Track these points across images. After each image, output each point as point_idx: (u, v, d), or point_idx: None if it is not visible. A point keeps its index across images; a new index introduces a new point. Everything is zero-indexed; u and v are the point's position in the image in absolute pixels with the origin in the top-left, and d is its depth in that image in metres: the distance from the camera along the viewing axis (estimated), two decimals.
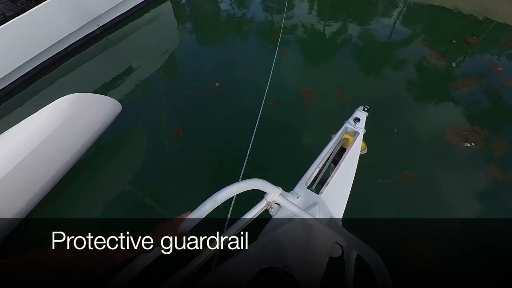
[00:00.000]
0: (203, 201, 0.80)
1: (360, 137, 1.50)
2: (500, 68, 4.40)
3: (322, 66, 4.74)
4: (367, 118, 1.65)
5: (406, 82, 4.17)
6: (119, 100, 4.00)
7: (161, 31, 5.86)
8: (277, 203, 0.99)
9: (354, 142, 1.46)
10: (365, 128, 1.56)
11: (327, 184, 1.24)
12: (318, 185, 1.30)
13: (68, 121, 2.69)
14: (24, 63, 4.39)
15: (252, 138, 2.19)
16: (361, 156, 1.51)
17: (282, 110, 3.69)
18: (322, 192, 1.23)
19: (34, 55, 4.47)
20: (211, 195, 0.81)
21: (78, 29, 5.02)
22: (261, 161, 3.08)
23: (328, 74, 4.45)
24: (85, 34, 5.28)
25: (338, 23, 5.62)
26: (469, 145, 3.28)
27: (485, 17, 5.53)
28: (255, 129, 2.29)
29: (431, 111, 3.76)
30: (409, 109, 3.76)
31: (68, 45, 5.05)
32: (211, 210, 0.78)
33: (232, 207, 1.73)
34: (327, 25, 5.59)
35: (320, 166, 1.35)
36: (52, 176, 2.78)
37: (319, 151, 1.47)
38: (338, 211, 1.15)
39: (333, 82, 4.16)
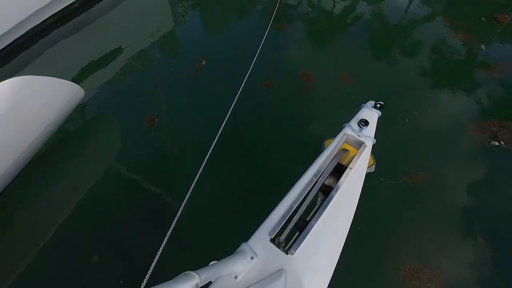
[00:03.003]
0: None
1: (367, 151, 0.97)
2: None
3: (328, 43, 4.11)
4: (379, 118, 1.11)
5: (424, 64, 3.56)
6: (92, 84, 3.54)
7: (149, 3, 5.22)
8: None
9: (358, 158, 0.94)
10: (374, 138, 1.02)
11: (305, 235, 0.73)
12: (295, 230, 0.80)
13: (14, 109, 2.25)
14: None
15: (220, 131, 1.71)
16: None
17: (273, 94, 3.18)
18: (294, 250, 0.73)
19: (1, 33, 3.93)
20: None
21: (52, 1, 4.42)
22: (240, 159, 2.62)
23: (333, 52, 3.85)
24: (61, 8, 4.68)
25: None
26: (497, 143, 2.73)
27: None
28: (224, 121, 1.80)
29: (453, 100, 3.17)
30: (426, 96, 3.19)
31: (41, 21, 4.48)
32: None
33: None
34: None
35: (300, 200, 0.83)
36: (2, 173, 2.37)
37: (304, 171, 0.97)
38: (318, 285, 0.67)
39: (339, 63, 3.59)
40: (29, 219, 2.45)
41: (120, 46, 4.16)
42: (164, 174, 2.63)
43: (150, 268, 1.19)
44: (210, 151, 1.74)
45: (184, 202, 1.49)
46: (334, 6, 4.73)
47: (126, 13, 4.94)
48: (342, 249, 0.74)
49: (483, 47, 3.81)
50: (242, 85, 2.07)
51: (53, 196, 2.57)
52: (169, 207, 2.38)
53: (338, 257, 0.74)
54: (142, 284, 1.01)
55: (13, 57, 4.14)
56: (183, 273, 0.55)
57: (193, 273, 0.55)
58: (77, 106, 2.89)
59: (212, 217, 2.28)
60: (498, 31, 4.21)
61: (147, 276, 1.13)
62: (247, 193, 2.41)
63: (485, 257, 1.96)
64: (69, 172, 2.72)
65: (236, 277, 0.73)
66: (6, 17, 3.89)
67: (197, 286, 0.54)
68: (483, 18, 4.30)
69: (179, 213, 1.40)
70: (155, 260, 1.20)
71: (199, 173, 1.60)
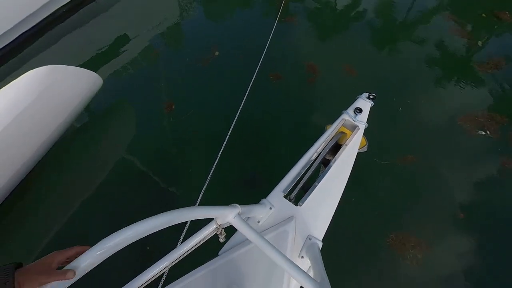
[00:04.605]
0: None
1: (360, 133, 1.22)
2: None
3: (334, 36, 4.25)
4: (371, 108, 1.35)
5: (422, 58, 3.73)
6: (108, 72, 3.70)
7: None
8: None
9: (351, 139, 1.19)
10: (367, 122, 1.27)
11: (310, 193, 1.00)
12: (301, 191, 1.06)
13: (40, 98, 2.38)
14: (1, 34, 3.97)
15: (235, 119, 1.92)
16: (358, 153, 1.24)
17: (283, 85, 3.38)
18: (301, 203, 0.99)
19: (13, 24, 4.03)
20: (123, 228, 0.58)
21: None
22: (252, 143, 2.83)
23: (340, 45, 4.01)
24: None
25: None
26: (484, 133, 2.98)
27: None
28: (239, 110, 2.00)
29: (446, 92, 3.38)
30: (421, 88, 3.40)
31: (53, 11, 4.59)
32: (121, 247, 0.57)
33: None
34: None
35: (306, 168, 1.10)
36: (27, 161, 2.51)
37: (309, 146, 1.21)
38: (319, 229, 0.93)
39: (345, 56, 3.76)
40: (52, 204, 2.56)
41: (132, 36, 4.25)
42: (182, 159, 2.79)
43: (179, 239, 1.42)
44: (226, 140, 1.92)
45: (204, 187, 1.69)
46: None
47: (136, 3, 5.03)
48: (338, 212, 1.03)
49: (480, 43, 3.97)
50: (254, 77, 2.26)
51: (73, 184, 2.69)
52: (187, 192, 2.54)
53: (335, 209, 1.03)
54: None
55: (26, 47, 4.25)
56: (231, 204, 0.79)
57: (237, 205, 0.79)
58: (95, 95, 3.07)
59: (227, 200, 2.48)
60: (496, 27, 4.33)
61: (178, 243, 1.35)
62: (258, 177, 2.61)
63: (464, 229, 2.24)
64: (88, 158, 2.84)
65: (258, 222, 0.99)
66: (18, 8, 4.00)
67: (239, 214, 0.78)
68: (483, 15, 4.41)
69: (200, 196, 1.60)
70: (181, 236, 1.44)
71: (216, 162, 1.78)
